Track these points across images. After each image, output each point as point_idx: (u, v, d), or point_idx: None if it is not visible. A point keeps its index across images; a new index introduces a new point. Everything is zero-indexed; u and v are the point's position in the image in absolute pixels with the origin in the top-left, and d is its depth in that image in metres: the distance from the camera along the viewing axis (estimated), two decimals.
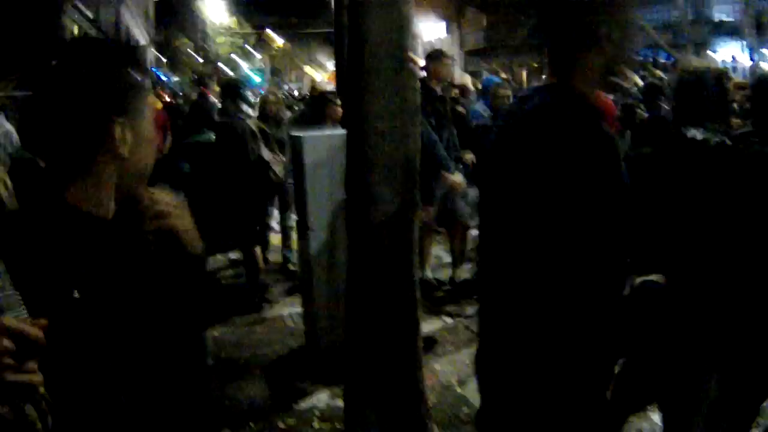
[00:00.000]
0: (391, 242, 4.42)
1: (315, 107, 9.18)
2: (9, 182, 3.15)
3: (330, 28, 12.11)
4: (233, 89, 8.74)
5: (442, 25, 44.41)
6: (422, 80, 7.81)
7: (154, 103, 7.17)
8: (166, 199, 1.84)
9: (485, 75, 18.35)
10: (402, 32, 4.28)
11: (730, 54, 26.53)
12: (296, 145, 6.33)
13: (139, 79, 1.77)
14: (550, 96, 2.59)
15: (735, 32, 23.12)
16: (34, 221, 1.62)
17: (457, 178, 7.83)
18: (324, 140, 6.12)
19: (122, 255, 1.69)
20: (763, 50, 24.84)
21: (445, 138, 7.90)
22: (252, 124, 8.28)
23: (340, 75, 11.24)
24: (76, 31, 29.08)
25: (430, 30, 45.82)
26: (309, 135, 6.25)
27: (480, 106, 9.21)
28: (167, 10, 54.27)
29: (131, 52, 1.86)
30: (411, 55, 4.41)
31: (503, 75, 20.09)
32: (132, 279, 1.67)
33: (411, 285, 4.63)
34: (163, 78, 45.34)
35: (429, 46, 45.75)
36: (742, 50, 19.97)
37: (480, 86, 11.99)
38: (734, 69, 26.55)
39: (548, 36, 2.69)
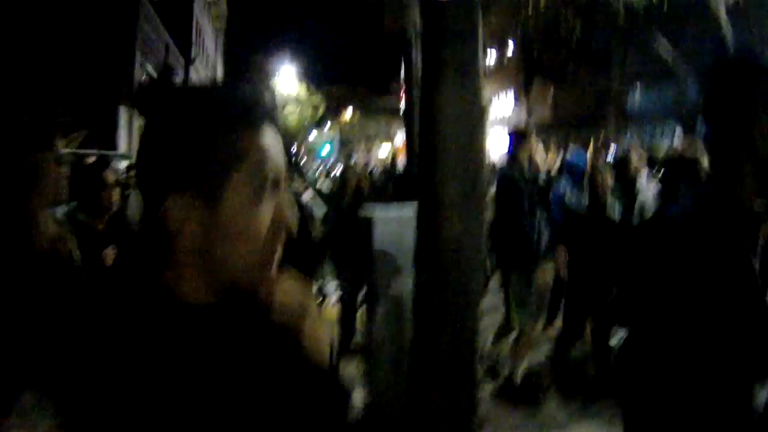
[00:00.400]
0: (458, 320, 4.50)
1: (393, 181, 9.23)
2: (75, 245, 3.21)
3: (400, 101, 12.26)
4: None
5: (510, 96, 44.57)
6: (511, 160, 7.79)
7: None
8: (292, 289, 1.47)
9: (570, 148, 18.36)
10: (474, 109, 4.37)
11: None
12: (366, 225, 6.40)
13: (230, 146, 1.30)
14: (708, 201, 2.65)
15: None
16: (107, 296, 1.32)
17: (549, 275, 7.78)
18: (393, 220, 6.18)
19: (221, 352, 1.32)
20: None
21: (537, 223, 7.69)
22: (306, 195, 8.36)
23: (410, 148, 11.38)
24: None
25: (498, 102, 45.96)
26: (379, 216, 6.32)
27: (564, 185, 8.91)
28: (236, 76, 55.48)
29: (223, 104, 1.35)
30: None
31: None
32: (232, 383, 1.30)
33: (473, 361, 4.71)
34: None
35: (497, 118, 45.95)
36: None
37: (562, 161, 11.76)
38: None
39: (712, 137, 2.72)
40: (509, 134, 8.11)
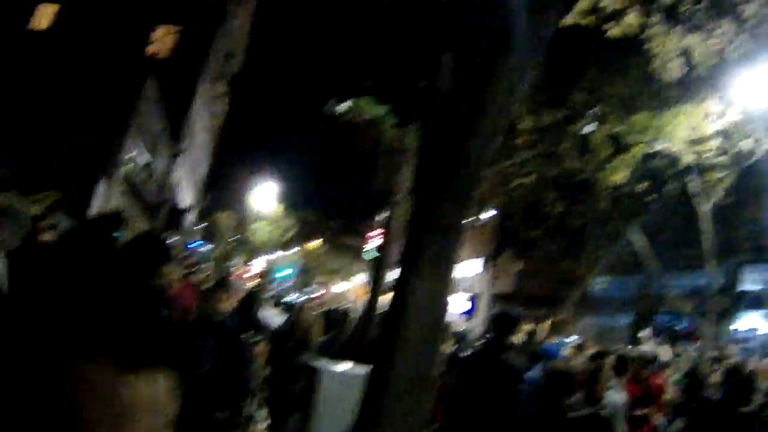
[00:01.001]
0: None
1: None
2: None
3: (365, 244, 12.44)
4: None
5: (479, 262, 44.84)
6: (501, 346, 7.55)
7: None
8: None
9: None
10: (439, 310, 4.52)
11: (750, 323, 26.96)
12: (314, 376, 6.47)
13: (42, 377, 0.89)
14: None
15: (758, 302, 23.58)
16: None
17: None
18: (341, 376, 6.26)
19: None
20: None
21: None
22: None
23: (374, 293, 11.46)
24: (131, 167, 29.97)
25: (466, 266, 46.19)
26: (327, 370, 6.43)
27: (537, 373, 8.61)
28: (219, 179, 55.78)
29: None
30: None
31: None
32: None
33: None
34: (196, 245, 45.91)
35: (460, 279, 46.05)
36: (765, 319, 20.47)
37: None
38: (748, 339, 26.30)
39: None
40: (500, 316, 7.92)
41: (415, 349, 4.45)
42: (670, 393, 10.56)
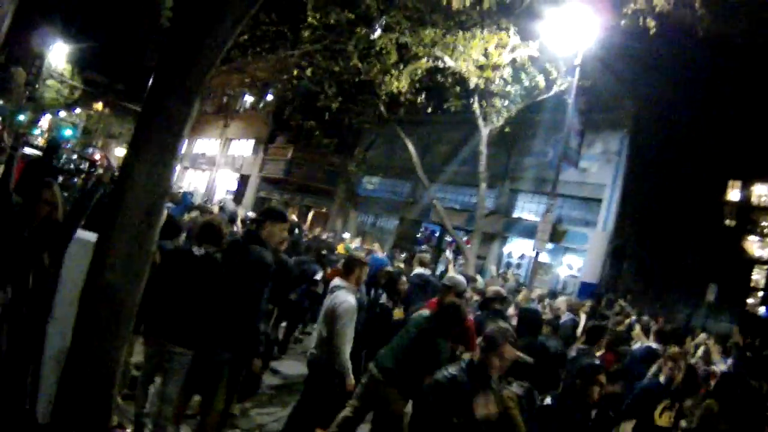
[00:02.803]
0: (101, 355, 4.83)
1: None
2: None
3: None
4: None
5: (251, 144, 44.25)
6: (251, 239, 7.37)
7: None
8: None
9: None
10: (158, 192, 4.68)
11: (521, 249, 28.57)
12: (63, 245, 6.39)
13: None
14: None
15: (530, 230, 23.82)
16: None
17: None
18: (88, 245, 6.22)
19: None
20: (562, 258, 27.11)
21: None
22: None
23: None
24: None
25: (240, 146, 45.64)
26: (75, 238, 6.40)
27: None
28: (17, 33, 52.58)
29: None
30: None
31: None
32: None
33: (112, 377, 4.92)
34: None
35: (231, 159, 45.64)
36: (533, 249, 21.11)
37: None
38: (518, 265, 28.38)
39: None
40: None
41: (133, 227, 4.64)
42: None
